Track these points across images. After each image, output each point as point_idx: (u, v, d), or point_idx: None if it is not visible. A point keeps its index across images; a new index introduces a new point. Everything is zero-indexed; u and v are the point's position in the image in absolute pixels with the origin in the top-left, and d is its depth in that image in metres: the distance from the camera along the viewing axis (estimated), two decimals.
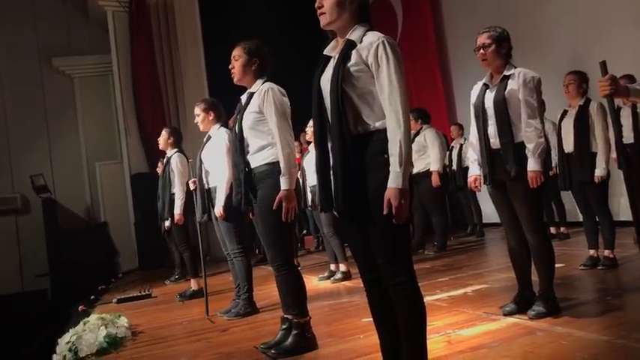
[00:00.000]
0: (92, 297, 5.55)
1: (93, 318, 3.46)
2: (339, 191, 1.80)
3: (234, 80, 2.86)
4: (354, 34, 1.84)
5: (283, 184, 2.58)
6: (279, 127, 2.64)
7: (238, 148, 2.77)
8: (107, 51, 9.32)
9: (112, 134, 9.68)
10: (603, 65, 2.07)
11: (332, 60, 1.88)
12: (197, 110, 3.95)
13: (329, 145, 1.86)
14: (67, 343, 3.06)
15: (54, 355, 3.22)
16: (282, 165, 2.61)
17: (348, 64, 1.79)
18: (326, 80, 1.86)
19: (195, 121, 3.97)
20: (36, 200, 8.84)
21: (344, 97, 1.79)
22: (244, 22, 8.89)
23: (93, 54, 9.79)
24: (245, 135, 2.74)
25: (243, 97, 2.86)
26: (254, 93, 2.77)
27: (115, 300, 5.14)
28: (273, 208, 2.57)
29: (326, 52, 1.94)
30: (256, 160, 2.73)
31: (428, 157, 5.78)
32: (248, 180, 2.72)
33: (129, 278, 7.58)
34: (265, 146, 2.72)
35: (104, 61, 9.61)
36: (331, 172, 1.85)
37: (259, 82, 2.80)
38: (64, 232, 8.47)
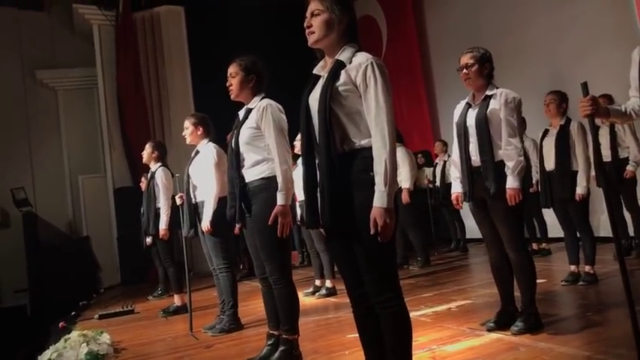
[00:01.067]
0: (73, 313, 5.45)
1: (74, 334, 3.41)
2: (325, 208, 1.82)
3: (232, 97, 2.87)
4: (343, 55, 1.88)
5: (280, 199, 2.60)
6: (277, 143, 2.66)
7: (234, 162, 2.78)
8: (92, 64, 9.29)
9: (95, 148, 9.60)
10: (585, 86, 2.14)
11: (321, 79, 1.91)
12: (187, 123, 3.95)
13: (316, 163, 1.89)
14: (50, 358, 3.00)
15: None
16: (279, 181, 2.62)
17: (337, 84, 1.82)
18: (314, 99, 1.89)
19: (183, 134, 3.97)
20: (16, 214, 8.69)
21: (332, 116, 1.82)
22: (231, 38, 8.96)
23: (78, 67, 9.74)
24: (241, 150, 2.76)
25: (241, 113, 2.87)
26: (252, 109, 2.79)
27: (96, 316, 5.06)
28: (269, 223, 2.58)
29: (315, 71, 1.98)
30: (251, 174, 2.74)
31: (399, 175, 5.86)
32: (243, 194, 2.73)
33: (111, 294, 7.47)
34: (261, 161, 2.73)
35: (89, 75, 9.57)
36: (318, 190, 1.87)
37: (257, 98, 2.82)
38: (44, 246, 8.31)
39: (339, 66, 1.85)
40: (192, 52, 9.41)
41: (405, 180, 5.84)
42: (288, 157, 2.68)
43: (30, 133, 9.63)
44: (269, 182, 2.69)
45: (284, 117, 2.75)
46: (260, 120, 2.70)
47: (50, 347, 3.34)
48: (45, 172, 9.59)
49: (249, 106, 2.81)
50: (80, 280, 7.99)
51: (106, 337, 3.45)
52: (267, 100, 2.77)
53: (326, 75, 1.87)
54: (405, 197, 5.81)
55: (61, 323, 4.67)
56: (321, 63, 1.98)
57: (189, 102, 9.19)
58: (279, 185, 2.61)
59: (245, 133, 2.75)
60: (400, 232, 6.07)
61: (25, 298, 8.20)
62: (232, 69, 2.84)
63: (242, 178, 2.76)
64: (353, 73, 1.82)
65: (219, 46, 7.91)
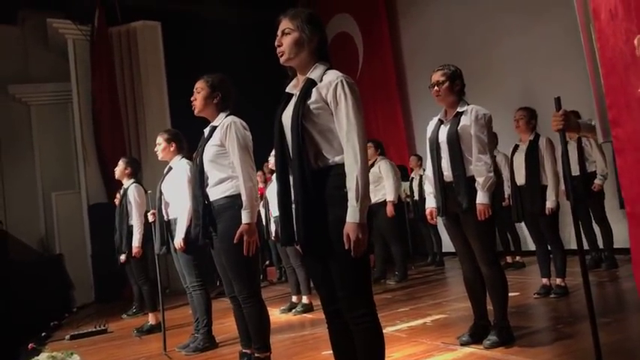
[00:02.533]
0: (43, 334, 5.31)
1: (43, 357, 3.32)
2: (300, 225, 1.83)
3: (195, 112, 2.87)
4: (314, 73, 1.90)
5: (245, 217, 2.59)
6: (241, 161, 2.65)
7: (198, 180, 2.77)
8: (67, 79, 9.17)
9: (69, 163, 9.44)
10: (557, 101, 2.20)
11: (293, 97, 1.94)
12: (159, 139, 3.92)
13: (290, 180, 1.91)
14: None
15: None
16: (244, 199, 2.62)
17: (309, 102, 1.85)
18: (287, 117, 1.91)
19: (155, 150, 3.95)
20: None
21: (304, 133, 1.84)
22: (208, 54, 8.96)
23: (51, 82, 9.60)
24: (205, 168, 2.75)
25: (206, 130, 2.87)
26: (216, 126, 2.79)
27: (67, 337, 4.94)
28: (234, 241, 2.57)
29: (288, 89, 2.01)
30: (216, 192, 2.74)
31: (383, 188, 5.90)
32: (207, 213, 2.72)
33: (84, 312, 7.30)
34: (225, 179, 2.73)
35: (63, 89, 9.43)
36: (292, 206, 1.89)
37: (222, 115, 2.83)
38: (14, 265, 8.08)
39: (311, 84, 1.88)
40: (169, 67, 9.37)
41: (389, 193, 5.85)
42: (252, 175, 2.69)
43: (1, 149, 9.43)
44: (234, 200, 2.69)
45: (249, 134, 2.76)
46: (224, 137, 2.71)
47: None
48: (17, 188, 9.38)
49: (214, 123, 2.82)
50: (52, 299, 7.76)
51: (76, 359, 3.37)
52: (231, 118, 2.77)
53: (298, 93, 1.90)
54: (390, 210, 5.82)
55: (30, 345, 4.54)
56: (293, 81, 2.00)
57: (166, 117, 9.12)
58: (244, 203, 2.60)
59: (209, 150, 2.75)
60: (382, 245, 6.10)
61: None
62: (198, 84, 2.86)
63: (206, 196, 2.75)
64: (324, 91, 1.84)
65: (195, 62, 7.89)
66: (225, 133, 2.70)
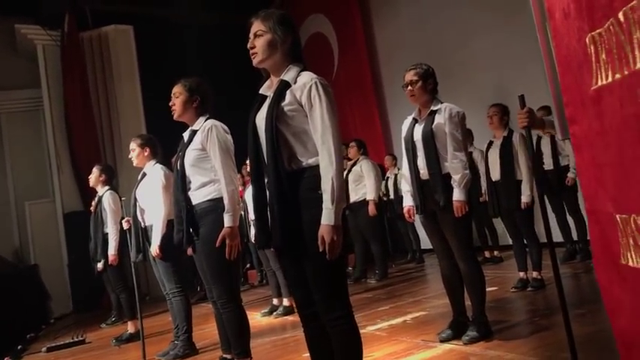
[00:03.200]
0: (19, 347, 5.19)
1: None
2: (275, 227, 1.83)
3: (175, 117, 2.85)
4: (288, 75, 1.90)
5: (227, 221, 2.57)
6: (223, 165, 2.64)
7: (180, 185, 2.74)
8: (37, 85, 8.99)
9: (42, 172, 9.25)
10: (522, 99, 2.23)
11: (267, 99, 1.93)
12: (133, 145, 3.87)
13: (265, 182, 1.90)
14: None
15: None
16: (225, 202, 2.60)
17: (283, 104, 1.84)
18: (261, 119, 1.90)
19: (130, 156, 3.89)
20: None
21: (279, 136, 1.84)
22: (181, 57, 8.89)
23: (21, 89, 9.40)
24: (187, 172, 2.72)
25: (186, 135, 2.84)
26: (196, 130, 2.77)
27: (44, 349, 4.84)
28: (217, 245, 2.55)
29: (261, 91, 1.99)
30: (198, 196, 2.71)
31: (364, 187, 5.92)
32: (190, 217, 2.70)
33: (62, 323, 7.17)
34: (207, 183, 2.71)
35: (34, 96, 9.24)
36: (268, 209, 1.88)
37: (202, 119, 2.81)
38: None
39: (285, 86, 1.87)
40: (142, 71, 9.25)
41: (370, 192, 5.87)
42: (234, 178, 2.67)
43: None
44: (216, 204, 2.67)
45: (229, 137, 2.75)
46: (205, 141, 2.69)
47: None
48: None
49: (194, 127, 2.79)
50: (28, 310, 7.61)
51: None
52: (211, 121, 2.75)
53: (272, 95, 1.89)
54: (371, 209, 5.83)
55: (5, 358, 4.44)
56: (267, 83, 2.00)
57: (140, 122, 9.00)
58: (226, 207, 2.59)
59: (190, 155, 2.73)
60: (362, 244, 6.12)
61: None
62: (176, 89, 2.82)
63: (189, 200, 2.72)
64: (298, 93, 1.84)
65: (169, 66, 7.82)
66: (207, 137, 2.69)
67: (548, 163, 5.18)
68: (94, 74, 9.22)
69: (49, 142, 8.94)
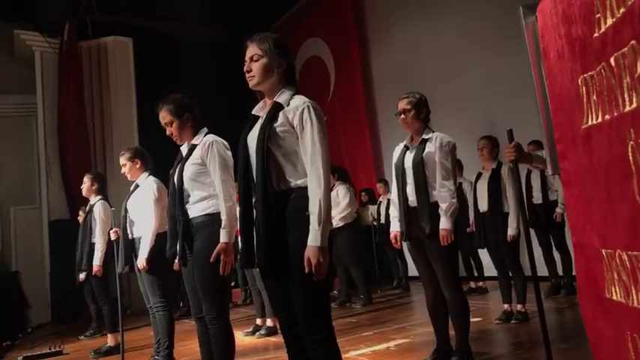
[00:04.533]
0: None
1: None
2: (260, 246, 1.84)
3: (178, 142, 2.86)
4: (281, 97, 1.94)
5: (223, 237, 2.56)
6: (222, 180, 2.64)
7: (177, 199, 2.73)
8: (32, 91, 8.98)
9: (31, 178, 9.16)
10: (510, 133, 2.29)
11: (259, 119, 1.96)
12: (122, 160, 3.85)
13: (253, 201, 1.91)
14: None
15: None
16: (223, 218, 2.59)
17: (275, 125, 1.88)
18: (252, 139, 1.94)
19: (123, 172, 3.88)
20: None
21: (269, 156, 1.87)
22: (178, 71, 8.96)
23: (16, 93, 9.38)
24: (185, 186, 2.72)
25: (184, 148, 2.85)
26: (196, 145, 2.78)
27: (20, 358, 4.74)
28: (211, 260, 2.54)
29: (254, 111, 2.04)
30: (195, 210, 2.70)
31: (342, 212, 5.95)
32: (186, 232, 2.68)
33: (39, 333, 7.03)
34: (206, 197, 2.70)
35: (28, 102, 9.22)
36: (254, 228, 1.89)
37: (201, 134, 2.82)
38: None
39: (278, 108, 1.91)
40: (139, 83, 9.30)
41: (339, 214, 5.90)
42: (232, 195, 2.68)
43: None
44: (213, 219, 2.66)
45: (229, 154, 2.75)
46: (205, 156, 2.69)
47: None
48: None
49: (193, 142, 2.80)
50: (6, 318, 7.46)
51: None
52: (212, 136, 2.77)
53: (264, 116, 1.93)
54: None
55: None
56: (260, 104, 2.04)
57: (133, 134, 9.01)
58: (223, 222, 2.59)
59: (190, 169, 2.72)
60: (343, 269, 6.12)
61: None
62: (165, 117, 2.80)
63: (185, 214, 2.72)
64: (290, 115, 1.88)
65: (166, 79, 7.89)
66: (207, 152, 2.69)
67: (537, 197, 5.25)
68: (91, 84, 9.25)
69: (39, 148, 8.90)
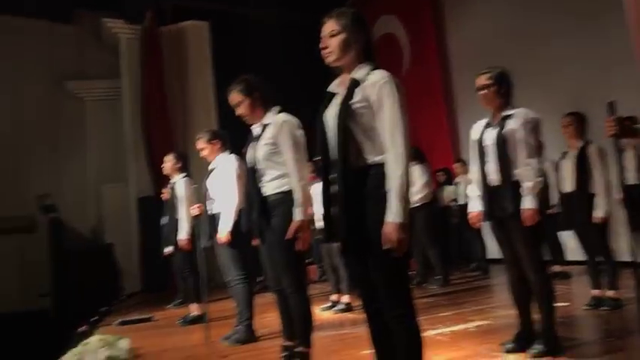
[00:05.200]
0: (94, 318, 5.54)
1: (94, 339, 3.47)
2: (341, 223, 1.85)
3: (250, 122, 2.93)
4: (359, 73, 1.92)
5: (298, 214, 2.64)
6: (294, 159, 2.70)
7: (252, 177, 2.82)
8: (119, 76, 9.54)
9: (120, 157, 9.78)
10: (610, 106, 2.12)
11: (337, 96, 1.96)
12: (200, 144, 3.97)
13: (332, 177, 1.93)
14: None
15: None
16: (296, 196, 2.66)
17: (353, 101, 1.87)
18: (330, 116, 1.94)
19: (202, 155, 4.02)
20: (42, 220, 8.91)
21: (347, 133, 1.86)
22: (253, 53, 9.13)
23: (105, 78, 10.01)
24: (260, 165, 2.80)
25: (256, 128, 2.92)
26: (267, 124, 2.83)
27: (116, 322, 5.14)
28: (288, 236, 2.62)
29: (330, 88, 2.03)
30: (270, 188, 2.78)
31: (419, 192, 5.83)
32: (262, 208, 2.77)
33: (131, 301, 7.58)
34: (279, 176, 2.77)
35: (115, 86, 9.81)
36: (334, 204, 1.91)
37: (271, 113, 2.88)
38: (68, 252, 8.51)
39: (355, 84, 1.90)
40: (216, 66, 9.58)
41: (415, 194, 5.80)
42: (305, 173, 2.73)
43: (58, 142, 9.89)
44: (287, 196, 2.73)
45: (301, 132, 2.79)
46: (277, 135, 2.75)
47: (71, 351, 3.40)
48: (71, 180, 9.83)
49: (265, 121, 2.85)
50: (102, 286, 8.13)
51: (124, 343, 3.49)
52: (283, 115, 2.82)
53: (342, 92, 1.92)
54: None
55: (82, 328, 4.76)
56: (337, 80, 2.03)
57: (212, 115, 9.32)
58: (297, 200, 2.64)
59: (262, 149, 2.79)
60: (420, 250, 6.05)
61: (48, 303, 8.39)
62: (235, 98, 2.88)
63: (260, 191, 2.80)
64: (368, 91, 1.86)
65: (241, 61, 8.08)
66: (279, 131, 2.75)
67: (632, 177, 4.87)
68: (171, 67, 9.66)
69: (126, 130, 9.46)
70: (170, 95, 9.52)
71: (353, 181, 1.84)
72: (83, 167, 10.00)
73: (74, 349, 3.40)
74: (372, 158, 1.86)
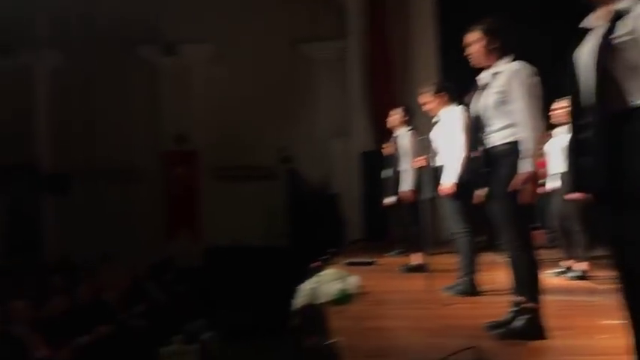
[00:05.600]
0: (325, 257, 6.16)
1: (328, 272, 3.88)
2: (597, 172, 1.69)
3: (474, 63, 2.83)
4: (623, 3, 1.68)
5: (527, 165, 2.51)
6: (527, 109, 2.56)
7: (477, 127, 2.76)
8: (344, 36, 10.08)
9: (346, 114, 10.41)
10: None
11: (592, 32, 1.76)
12: (425, 98, 3.97)
13: (585, 123, 1.75)
14: (309, 288, 3.51)
15: (295, 301, 3.71)
16: (526, 147, 2.53)
17: (614, 35, 1.66)
18: (585, 54, 1.76)
19: (425, 109, 4.01)
20: (280, 169, 10.25)
21: (606, 71, 1.67)
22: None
23: (334, 39, 10.65)
24: (487, 114, 2.71)
25: (484, 76, 2.81)
26: (498, 72, 2.71)
27: (345, 262, 5.63)
28: (513, 188, 2.52)
29: (584, 24, 1.83)
30: (496, 138, 2.69)
31: None
32: (487, 160, 2.71)
33: (355, 247, 8.19)
34: (507, 126, 2.65)
35: (342, 46, 10.38)
36: (587, 151, 1.74)
37: (504, 61, 2.73)
38: (302, 198, 9.66)
39: (618, 16, 1.67)
40: (440, 16, 9.32)
41: None
42: (538, 124, 2.55)
43: (293, 101, 11.00)
44: (513, 147, 2.60)
45: (537, 81, 2.60)
46: (509, 84, 2.60)
47: (309, 280, 3.88)
48: (304, 135, 10.88)
49: (496, 69, 2.71)
50: (329, 231, 8.99)
51: (354, 279, 3.82)
52: (517, 63, 2.65)
53: (601, 26, 1.71)
54: None
55: (316, 263, 5.34)
56: (593, 14, 1.81)
57: (433, 67, 9.19)
58: (527, 151, 2.50)
59: (491, 97, 2.68)
60: None
61: (286, 241, 9.73)
62: (472, 36, 2.77)
63: (484, 142, 2.71)
64: (636, 22, 1.61)
65: (469, 11, 7.66)
66: (511, 79, 2.61)
67: None
68: (394, 22, 9.74)
69: (352, 87, 10.01)
70: (393, 50, 9.67)
71: (612, 125, 1.65)
72: (314, 123, 10.97)
73: (311, 279, 3.87)
74: (637, 100, 1.63)
